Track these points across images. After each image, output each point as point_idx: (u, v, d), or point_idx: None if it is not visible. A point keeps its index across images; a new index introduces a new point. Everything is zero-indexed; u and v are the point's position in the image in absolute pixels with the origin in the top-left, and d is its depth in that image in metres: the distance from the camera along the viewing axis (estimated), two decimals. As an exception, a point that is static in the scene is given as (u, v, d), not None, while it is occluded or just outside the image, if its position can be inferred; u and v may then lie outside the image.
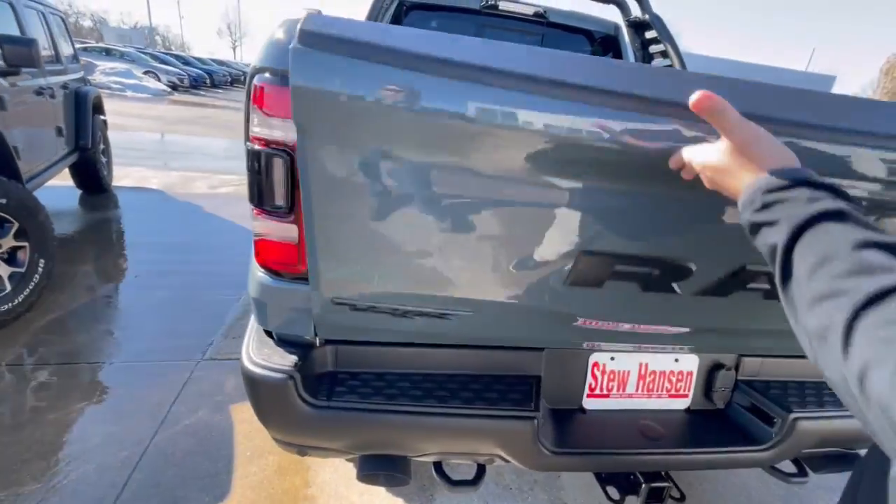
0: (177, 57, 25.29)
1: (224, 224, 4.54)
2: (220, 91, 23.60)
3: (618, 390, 1.22)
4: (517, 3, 2.74)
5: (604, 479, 1.24)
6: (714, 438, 1.19)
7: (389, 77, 0.74)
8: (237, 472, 1.76)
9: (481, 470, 1.17)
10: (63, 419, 1.92)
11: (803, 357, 0.47)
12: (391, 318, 0.98)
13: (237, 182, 6.21)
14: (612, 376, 1.20)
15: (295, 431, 1.02)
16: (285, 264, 0.94)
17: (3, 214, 2.42)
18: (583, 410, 1.21)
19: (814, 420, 1.15)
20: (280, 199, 0.88)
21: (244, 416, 2.03)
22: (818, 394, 1.23)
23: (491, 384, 1.08)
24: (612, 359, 1.19)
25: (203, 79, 22.62)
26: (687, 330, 1.10)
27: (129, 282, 3.18)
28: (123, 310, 2.83)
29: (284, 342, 1.04)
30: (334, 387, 1.01)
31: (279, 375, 0.94)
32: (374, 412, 0.98)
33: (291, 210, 0.89)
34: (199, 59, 27.17)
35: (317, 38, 0.72)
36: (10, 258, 2.52)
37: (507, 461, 1.09)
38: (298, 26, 0.72)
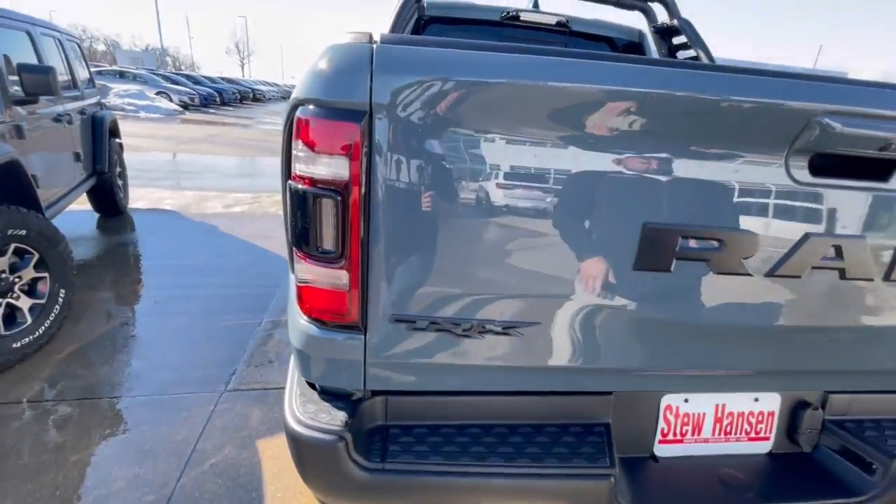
0: (187, 77, 25.77)
1: (240, 244, 4.50)
2: (229, 108, 23.94)
3: (693, 434, 1.10)
4: (539, 13, 2.66)
5: None
6: (804, 486, 1.06)
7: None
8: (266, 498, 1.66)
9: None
10: (86, 460, 1.84)
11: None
12: (452, 340, 0.88)
13: (250, 200, 6.21)
14: (686, 419, 1.09)
15: (344, 495, 0.92)
16: (334, 313, 0.85)
17: (23, 246, 2.37)
18: (654, 458, 1.10)
19: (923, 466, 1.02)
20: (329, 243, 0.79)
21: (272, 452, 1.94)
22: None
23: (558, 435, 0.98)
24: (686, 401, 1.08)
25: (213, 97, 22.96)
26: (768, 369, 1.00)
27: (149, 308, 3.13)
28: (144, 338, 2.77)
29: (329, 395, 0.95)
30: (388, 445, 0.91)
31: (329, 437, 0.85)
32: (433, 474, 0.88)
33: (343, 255, 0.80)
34: (208, 78, 27.64)
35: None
36: (31, 290, 2.48)
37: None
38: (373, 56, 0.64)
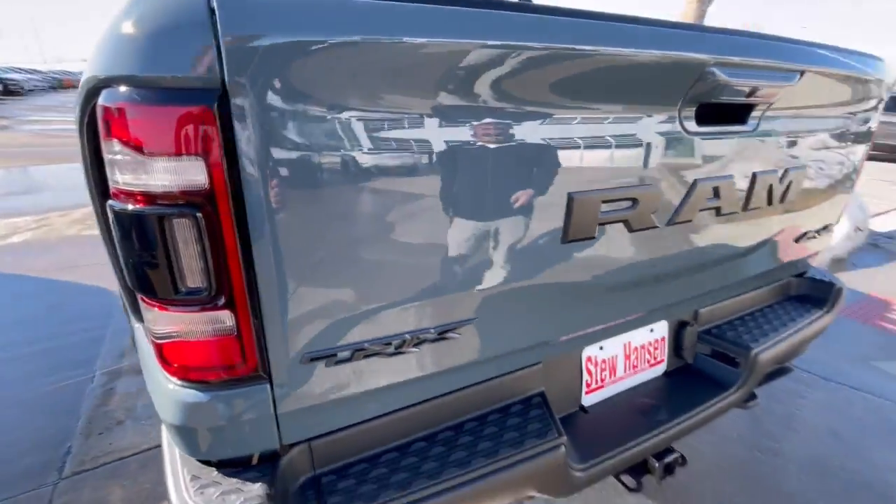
0: None
1: (37, 284, 3.46)
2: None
3: (610, 376, 1.17)
4: None
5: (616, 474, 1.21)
6: (694, 394, 1.23)
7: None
8: None
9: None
10: None
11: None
12: (384, 361, 0.74)
13: (34, 224, 4.82)
14: (603, 365, 1.15)
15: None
16: (223, 367, 0.64)
17: None
18: (584, 409, 1.14)
19: (768, 349, 1.26)
20: (198, 279, 0.57)
21: (153, 533, 1.56)
22: (761, 323, 1.36)
23: (503, 420, 0.93)
24: (601, 348, 1.14)
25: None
26: (659, 305, 1.12)
27: None
28: None
29: (231, 464, 0.73)
30: (326, 499, 0.75)
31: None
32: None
33: (220, 289, 0.59)
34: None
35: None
36: None
37: (531, 498, 0.97)
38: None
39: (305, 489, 0.77)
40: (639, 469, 1.17)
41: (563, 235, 0.81)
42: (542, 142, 0.76)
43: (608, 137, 0.83)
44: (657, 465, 1.13)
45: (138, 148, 0.51)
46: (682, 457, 1.21)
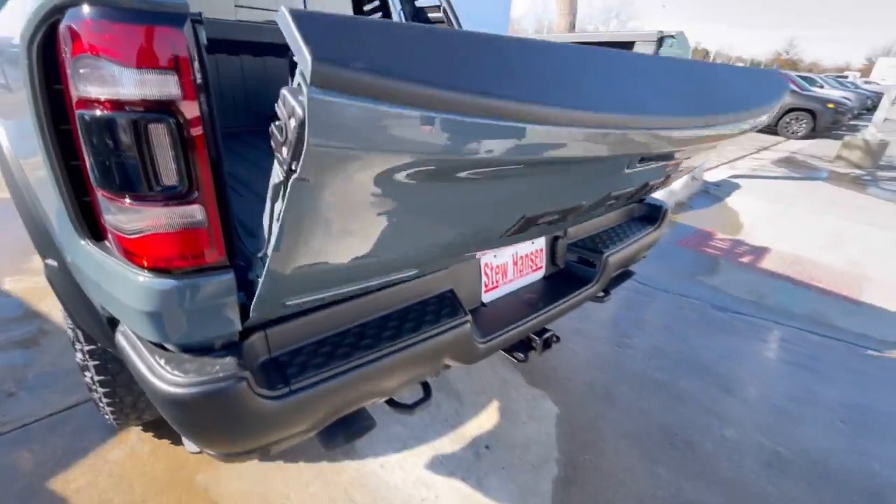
0: None
1: None
2: None
3: (503, 279, 1.48)
4: None
5: (508, 349, 1.54)
6: (565, 289, 1.60)
7: None
8: (114, 542, 1.40)
9: (427, 387, 1.29)
10: None
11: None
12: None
13: None
14: (497, 270, 1.45)
15: (257, 434, 0.90)
16: (192, 256, 0.76)
17: None
18: (483, 304, 1.44)
19: (615, 254, 1.67)
20: (173, 178, 0.69)
21: (79, 484, 1.56)
22: (612, 236, 1.77)
23: (422, 310, 1.17)
24: (495, 256, 1.43)
25: None
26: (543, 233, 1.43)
27: None
28: None
29: (193, 350, 0.86)
30: (284, 371, 0.92)
31: (228, 382, 0.80)
32: (339, 375, 0.95)
33: (192, 187, 0.71)
34: None
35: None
36: None
37: (448, 367, 1.24)
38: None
39: (265, 367, 0.93)
40: (524, 345, 1.52)
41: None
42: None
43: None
44: (538, 340, 1.48)
45: (119, 61, 0.61)
46: (556, 336, 1.58)
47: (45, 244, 1.09)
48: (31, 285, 2.73)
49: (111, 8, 0.60)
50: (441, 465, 1.75)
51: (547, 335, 1.51)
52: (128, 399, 1.48)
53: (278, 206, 0.63)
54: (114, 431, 1.77)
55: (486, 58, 0.64)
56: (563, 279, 1.66)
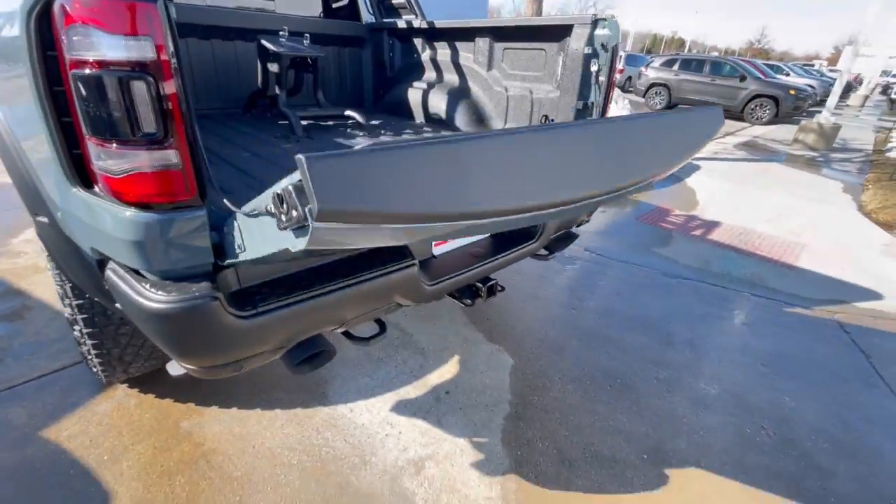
0: None
1: None
2: None
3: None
4: None
5: (457, 296, 1.74)
6: (510, 245, 1.80)
7: None
8: (107, 477, 1.56)
9: (382, 324, 1.48)
10: None
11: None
12: None
13: None
14: (446, 226, 1.64)
15: (229, 349, 1.07)
16: (169, 194, 0.93)
17: None
18: (434, 256, 1.63)
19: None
20: (152, 126, 0.85)
21: (70, 432, 1.71)
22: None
23: (376, 256, 1.36)
24: (444, 213, 1.62)
25: None
26: None
27: None
28: None
29: (171, 279, 1.03)
30: (253, 298, 1.10)
31: (203, 300, 0.97)
32: (300, 302, 1.13)
33: (168, 134, 0.88)
34: None
35: None
36: None
37: (401, 305, 1.43)
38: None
39: (236, 294, 1.11)
40: (471, 292, 1.72)
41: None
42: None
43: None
44: (483, 288, 1.69)
45: (105, 30, 0.77)
46: (501, 285, 1.79)
47: (36, 202, 1.24)
48: (11, 266, 2.81)
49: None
50: (404, 408, 1.96)
51: (491, 283, 1.72)
52: (115, 351, 1.63)
53: (259, 231, 0.80)
54: (101, 388, 1.91)
55: (433, 179, 0.75)
56: (508, 237, 1.86)
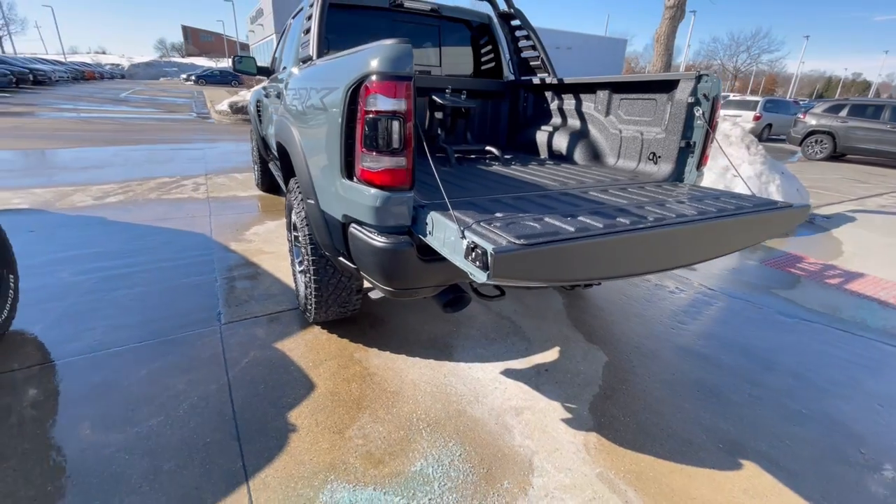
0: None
1: (142, 229, 4.49)
2: (5, 94, 19.15)
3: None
4: (418, 1, 3.50)
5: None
6: None
7: None
8: (311, 374, 2.37)
9: (502, 290, 2.06)
10: (139, 381, 2.25)
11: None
12: None
13: (120, 190, 5.87)
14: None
15: (414, 279, 1.76)
16: (397, 182, 1.67)
17: (-24, 232, 2.44)
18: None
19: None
20: (396, 143, 1.61)
21: (289, 346, 2.59)
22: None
23: None
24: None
25: (-24, 81, 18.11)
26: None
27: (92, 287, 3.23)
28: (114, 306, 2.96)
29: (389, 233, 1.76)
30: (429, 250, 1.79)
31: (407, 244, 1.68)
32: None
33: (403, 149, 1.62)
34: (-42, 57, 21.33)
35: None
36: (-15, 276, 2.54)
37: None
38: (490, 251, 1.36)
39: (419, 248, 1.80)
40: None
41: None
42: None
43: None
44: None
45: (383, 95, 1.55)
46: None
47: (308, 191, 2.14)
48: (245, 248, 4.07)
49: (383, 74, 1.54)
50: (511, 373, 2.47)
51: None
52: (325, 295, 2.48)
53: (447, 240, 1.51)
54: (306, 326, 2.81)
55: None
56: None
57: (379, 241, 1.71)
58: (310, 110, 2.12)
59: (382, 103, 1.56)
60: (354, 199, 1.78)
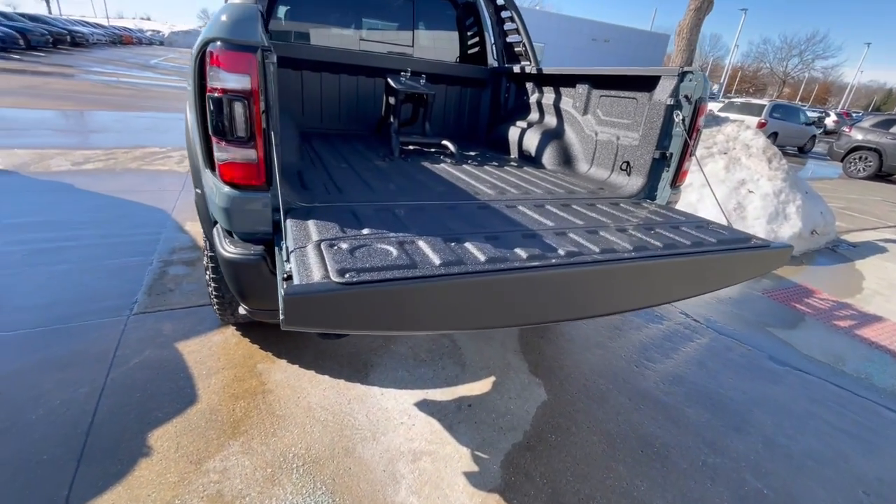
0: (-32, 11, 20.17)
1: (106, 199, 4.32)
2: (40, 54, 19.57)
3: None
4: None
5: None
6: None
7: None
8: (199, 385, 2.10)
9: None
10: (12, 374, 2.02)
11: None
12: None
13: (103, 157, 5.73)
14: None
15: (268, 297, 1.45)
16: (246, 179, 1.34)
17: None
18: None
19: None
20: (242, 132, 1.27)
21: (191, 348, 2.33)
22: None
23: None
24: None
25: (13, 39, 18.56)
26: None
27: (15, 261, 3.04)
28: (20, 285, 2.77)
29: (244, 239, 1.44)
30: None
31: (255, 257, 1.36)
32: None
33: (251, 139, 1.29)
34: (2, 14, 21.93)
35: None
36: None
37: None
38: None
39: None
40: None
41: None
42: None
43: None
44: None
45: (225, 69, 1.21)
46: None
47: (196, 180, 1.83)
48: (199, 229, 3.83)
49: (225, 43, 1.20)
50: (426, 406, 2.14)
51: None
52: (227, 295, 2.20)
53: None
54: (218, 325, 2.54)
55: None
56: None
57: (227, 250, 1.39)
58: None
59: (223, 79, 1.23)
60: (211, 197, 1.47)
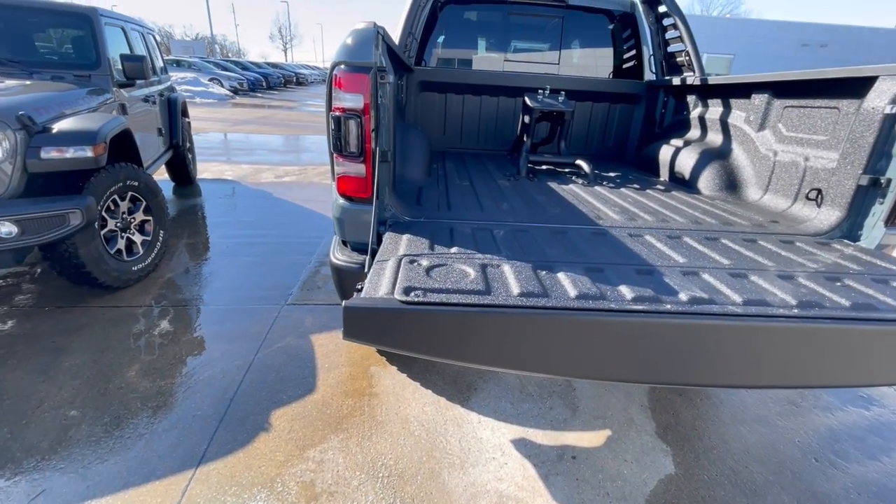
0: (235, 63, 27.25)
1: (290, 206, 5.22)
2: (274, 92, 25.18)
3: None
4: None
5: None
6: None
7: None
8: (319, 377, 2.32)
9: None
10: (192, 341, 2.57)
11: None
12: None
13: (297, 172, 6.96)
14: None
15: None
16: (356, 191, 1.43)
17: (136, 194, 3.13)
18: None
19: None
20: (355, 147, 1.36)
21: (321, 342, 2.60)
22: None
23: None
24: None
25: (260, 82, 24.27)
26: None
27: (223, 250, 3.88)
28: (222, 270, 3.51)
29: (354, 248, 1.53)
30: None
31: (357, 265, 1.43)
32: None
33: (362, 155, 1.37)
34: (254, 64, 29.04)
35: None
36: (141, 229, 3.25)
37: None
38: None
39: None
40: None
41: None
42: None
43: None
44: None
45: (344, 90, 1.32)
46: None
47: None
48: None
49: (346, 66, 1.30)
50: (524, 446, 1.96)
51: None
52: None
53: None
54: (347, 324, 2.79)
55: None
56: None
57: (336, 257, 1.50)
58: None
59: (342, 99, 1.34)
60: (333, 208, 1.61)
